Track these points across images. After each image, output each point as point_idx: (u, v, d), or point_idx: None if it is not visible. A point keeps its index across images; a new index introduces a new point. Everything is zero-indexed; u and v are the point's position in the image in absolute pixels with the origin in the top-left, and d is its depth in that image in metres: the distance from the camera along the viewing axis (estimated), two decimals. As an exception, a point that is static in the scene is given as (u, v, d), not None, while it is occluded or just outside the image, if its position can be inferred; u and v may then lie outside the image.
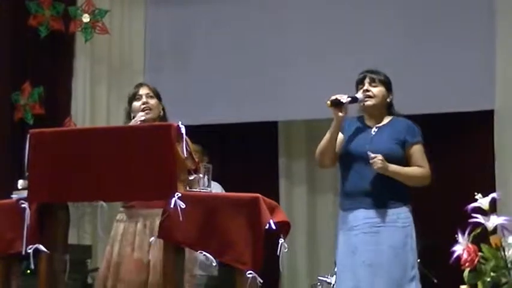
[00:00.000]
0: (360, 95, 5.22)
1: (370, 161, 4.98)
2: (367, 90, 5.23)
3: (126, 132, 4.44)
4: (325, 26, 7.52)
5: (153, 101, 5.22)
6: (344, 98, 5.09)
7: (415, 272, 5.11)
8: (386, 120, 5.31)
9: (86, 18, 7.66)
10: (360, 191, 5.13)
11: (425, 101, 7.01)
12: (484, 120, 7.14)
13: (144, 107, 5.16)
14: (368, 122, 5.32)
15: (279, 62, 7.53)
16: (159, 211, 4.73)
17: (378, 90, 5.25)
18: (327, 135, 5.22)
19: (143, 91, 5.26)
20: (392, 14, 7.48)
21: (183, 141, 4.04)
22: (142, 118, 5.06)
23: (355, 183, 5.18)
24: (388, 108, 5.32)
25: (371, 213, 5.11)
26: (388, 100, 5.28)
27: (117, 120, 7.51)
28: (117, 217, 5.19)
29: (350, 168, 5.23)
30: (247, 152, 7.76)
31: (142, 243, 4.97)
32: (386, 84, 5.30)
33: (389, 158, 5.07)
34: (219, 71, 7.64)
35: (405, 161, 5.19)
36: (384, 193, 5.12)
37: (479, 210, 3.87)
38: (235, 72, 7.62)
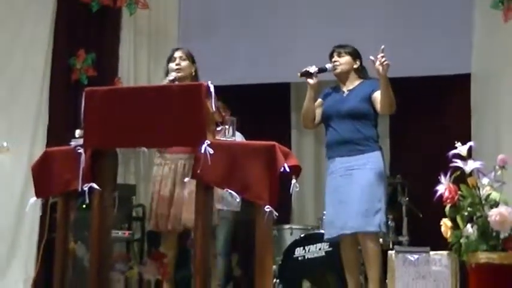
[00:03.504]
0: (329, 65, 5.47)
1: (381, 62, 5.04)
2: (335, 61, 5.46)
3: (165, 89, 4.43)
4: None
5: (184, 63, 5.31)
6: (312, 69, 5.39)
7: (381, 205, 5.24)
8: (357, 83, 5.48)
9: (130, -5, 7.67)
10: (335, 142, 5.37)
11: (410, 65, 6.92)
12: (462, 82, 7.09)
13: (177, 68, 5.24)
14: (341, 87, 5.52)
15: (290, 32, 7.49)
16: (182, 156, 4.96)
17: (344, 59, 5.48)
18: (305, 100, 5.50)
19: (177, 54, 5.36)
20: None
21: (211, 97, 4.02)
22: (172, 78, 5.16)
23: (332, 136, 5.41)
24: (357, 72, 5.49)
25: (345, 159, 5.31)
26: (355, 66, 5.46)
27: (156, 80, 7.55)
28: (156, 160, 5.28)
29: (328, 125, 5.46)
30: (265, 108, 7.74)
31: (167, 182, 5.12)
32: (352, 54, 5.50)
33: (357, 113, 5.32)
34: (240, 39, 7.63)
35: (372, 117, 5.35)
36: (354, 143, 5.30)
37: (458, 156, 3.87)
38: (254, 40, 7.58)
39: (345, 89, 5.47)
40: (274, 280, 6.07)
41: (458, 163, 3.83)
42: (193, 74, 5.34)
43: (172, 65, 5.31)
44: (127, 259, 6.72)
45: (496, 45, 6.87)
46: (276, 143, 3.89)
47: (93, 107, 4.26)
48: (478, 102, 6.97)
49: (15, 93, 6.91)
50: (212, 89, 4.03)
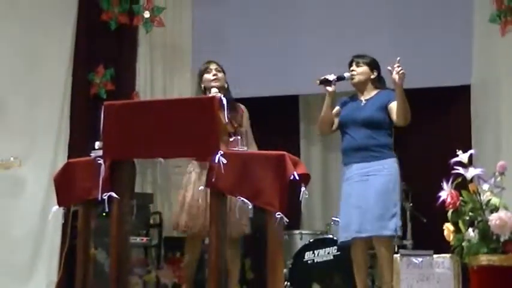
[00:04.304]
0: (347, 74, 5.44)
1: (397, 71, 5.07)
2: (353, 70, 5.45)
3: (179, 103, 4.44)
4: (337, 14, 7.49)
5: (220, 74, 5.33)
6: (331, 77, 5.36)
7: (396, 210, 5.24)
8: (374, 93, 5.46)
9: (146, 14, 7.67)
10: (351, 149, 5.33)
11: (412, 77, 6.89)
12: (462, 93, 7.09)
13: (214, 78, 5.23)
14: (359, 96, 5.50)
15: (300, 47, 7.51)
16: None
17: (361, 69, 5.46)
18: (324, 107, 5.46)
19: (213, 66, 5.37)
20: (384, 2, 7.48)
21: (224, 109, 4.03)
22: (220, 95, 5.07)
23: (348, 143, 5.39)
24: (374, 83, 5.45)
25: (361, 165, 5.28)
26: (372, 77, 5.42)
27: (171, 93, 7.57)
28: (189, 168, 5.21)
29: (345, 132, 5.44)
30: (275, 119, 7.75)
31: None
32: (370, 64, 5.49)
33: (373, 122, 5.29)
34: (251, 54, 7.64)
35: (387, 126, 5.34)
36: (370, 149, 5.29)
37: (460, 163, 3.87)
38: (264, 55, 7.59)
39: (362, 98, 5.46)
40: (285, 283, 6.06)
41: (460, 170, 3.83)
42: (226, 85, 5.35)
43: (208, 76, 5.30)
44: (145, 264, 6.74)
45: (494, 56, 6.87)
46: (286, 153, 3.89)
47: (112, 119, 4.27)
48: (478, 111, 6.97)
49: (37, 106, 6.94)
50: (224, 101, 4.04)
